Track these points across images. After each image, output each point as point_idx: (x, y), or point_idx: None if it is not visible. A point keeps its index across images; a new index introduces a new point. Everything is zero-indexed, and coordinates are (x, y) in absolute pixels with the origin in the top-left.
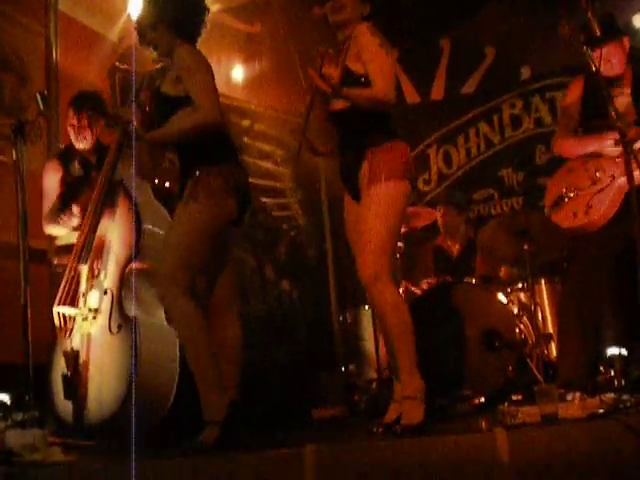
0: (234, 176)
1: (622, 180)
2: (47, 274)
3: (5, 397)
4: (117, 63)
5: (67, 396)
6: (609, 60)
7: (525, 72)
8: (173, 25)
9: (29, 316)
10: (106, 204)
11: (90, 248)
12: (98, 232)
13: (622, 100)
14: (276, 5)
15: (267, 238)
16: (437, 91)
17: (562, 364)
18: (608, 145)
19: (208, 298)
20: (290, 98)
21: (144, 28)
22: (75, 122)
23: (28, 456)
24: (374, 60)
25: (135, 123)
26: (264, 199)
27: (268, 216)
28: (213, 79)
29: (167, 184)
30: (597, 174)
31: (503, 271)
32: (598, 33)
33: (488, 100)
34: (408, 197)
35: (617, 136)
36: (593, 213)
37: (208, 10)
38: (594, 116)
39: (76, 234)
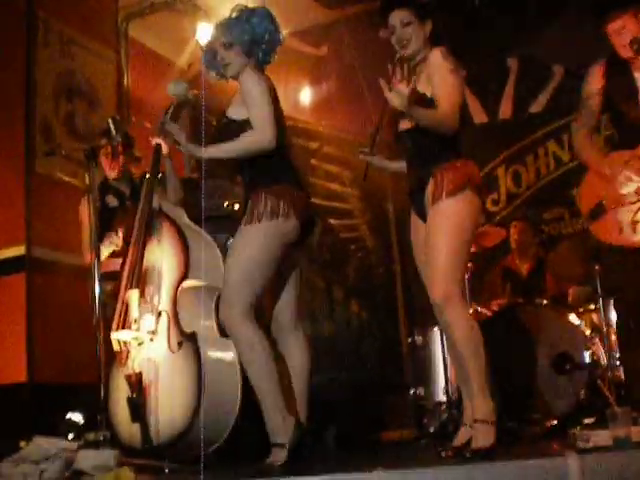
0: (295, 197)
1: None
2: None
3: (78, 417)
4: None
5: (134, 419)
6: None
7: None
8: (247, 48)
9: (101, 336)
10: (149, 231)
11: (140, 274)
12: (145, 258)
13: None
14: (342, 28)
15: (335, 259)
16: (505, 110)
17: (632, 385)
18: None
19: (274, 320)
20: (357, 119)
21: (217, 46)
22: (110, 150)
23: (100, 476)
24: (442, 85)
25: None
26: (332, 220)
27: (336, 237)
28: (276, 107)
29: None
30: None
31: (571, 291)
32: None
33: (557, 119)
34: (478, 212)
35: None
36: None
37: (282, 42)
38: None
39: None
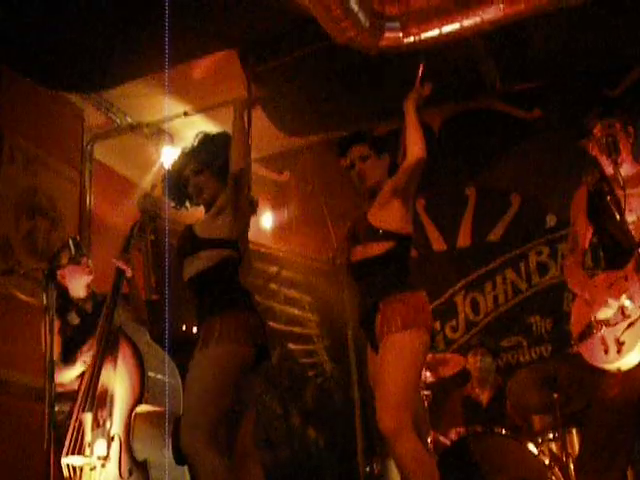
0: (250, 322)
1: None
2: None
3: None
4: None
5: None
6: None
7: (550, 220)
8: (219, 172)
9: (52, 461)
10: (107, 351)
11: (94, 396)
12: (100, 380)
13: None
14: (305, 155)
15: (293, 385)
16: (463, 239)
17: None
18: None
19: (230, 448)
20: (318, 245)
21: (187, 174)
22: (80, 268)
23: None
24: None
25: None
26: (291, 345)
27: (295, 362)
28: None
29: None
30: (626, 306)
31: (537, 420)
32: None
33: (515, 247)
34: (426, 347)
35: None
36: (625, 351)
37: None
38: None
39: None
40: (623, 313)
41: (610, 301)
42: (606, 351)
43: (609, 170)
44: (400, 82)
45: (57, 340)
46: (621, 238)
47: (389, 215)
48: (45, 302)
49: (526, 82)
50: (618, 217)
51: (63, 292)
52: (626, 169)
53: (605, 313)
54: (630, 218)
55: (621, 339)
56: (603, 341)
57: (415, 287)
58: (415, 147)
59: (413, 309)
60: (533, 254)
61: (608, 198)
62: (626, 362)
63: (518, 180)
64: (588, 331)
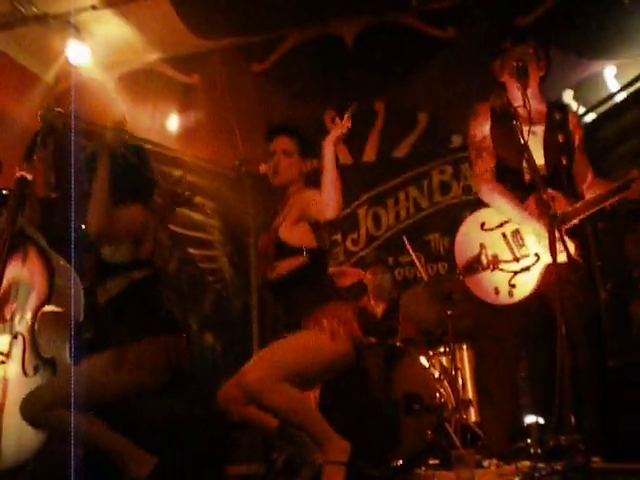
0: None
1: (546, 260)
2: None
3: None
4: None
5: None
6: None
7: (456, 140)
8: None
9: None
10: (11, 251)
11: None
12: (6, 279)
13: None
14: (215, 58)
15: (193, 290)
16: (369, 153)
17: (482, 431)
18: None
19: None
20: (224, 151)
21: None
22: None
23: None
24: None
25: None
26: (192, 250)
27: (195, 268)
28: None
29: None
30: (520, 250)
31: (428, 335)
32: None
33: (419, 165)
34: (341, 357)
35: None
36: (517, 294)
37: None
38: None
39: None
40: (515, 255)
41: (510, 239)
42: (497, 292)
43: (517, 98)
44: None
45: None
46: (519, 168)
47: (298, 231)
48: None
49: (442, 1)
50: (522, 142)
51: None
52: (533, 104)
53: (500, 249)
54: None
55: (512, 282)
56: (492, 282)
57: (337, 297)
58: (328, 208)
59: (338, 321)
60: (436, 173)
61: (514, 122)
62: (514, 304)
63: (427, 99)
64: (474, 267)
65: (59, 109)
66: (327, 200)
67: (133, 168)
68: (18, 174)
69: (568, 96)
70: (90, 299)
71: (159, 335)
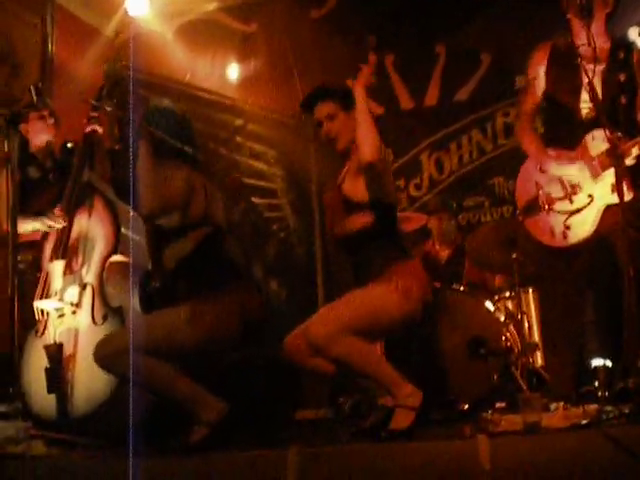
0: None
1: (602, 203)
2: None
3: None
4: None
5: (50, 390)
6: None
7: (520, 81)
8: None
9: (16, 307)
10: (78, 204)
11: (66, 245)
12: (74, 231)
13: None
14: (273, 5)
15: (257, 239)
16: (431, 97)
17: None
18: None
19: None
20: (284, 99)
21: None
22: (38, 117)
23: (10, 448)
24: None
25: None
26: (255, 199)
27: (258, 216)
28: None
29: None
30: (574, 191)
31: (497, 279)
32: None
33: (482, 108)
34: (408, 316)
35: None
36: (572, 237)
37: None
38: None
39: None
40: (567, 197)
41: (564, 180)
42: (552, 233)
43: (582, 37)
44: None
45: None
46: (575, 107)
47: (361, 183)
48: (6, 148)
49: None
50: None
51: (24, 145)
52: (598, 42)
53: (554, 189)
54: (584, 96)
55: (567, 223)
56: (549, 223)
57: (409, 256)
58: (364, 147)
59: (412, 280)
60: (500, 115)
61: (578, 60)
62: (570, 246)
63: (489, 39)
64: (533, 206)
65: (123, 62)
66: (361, 141)
67: (172, 133)
68: (89, 128)
69: (634, 33)
70: (157, 267)
71: (232, 291)
